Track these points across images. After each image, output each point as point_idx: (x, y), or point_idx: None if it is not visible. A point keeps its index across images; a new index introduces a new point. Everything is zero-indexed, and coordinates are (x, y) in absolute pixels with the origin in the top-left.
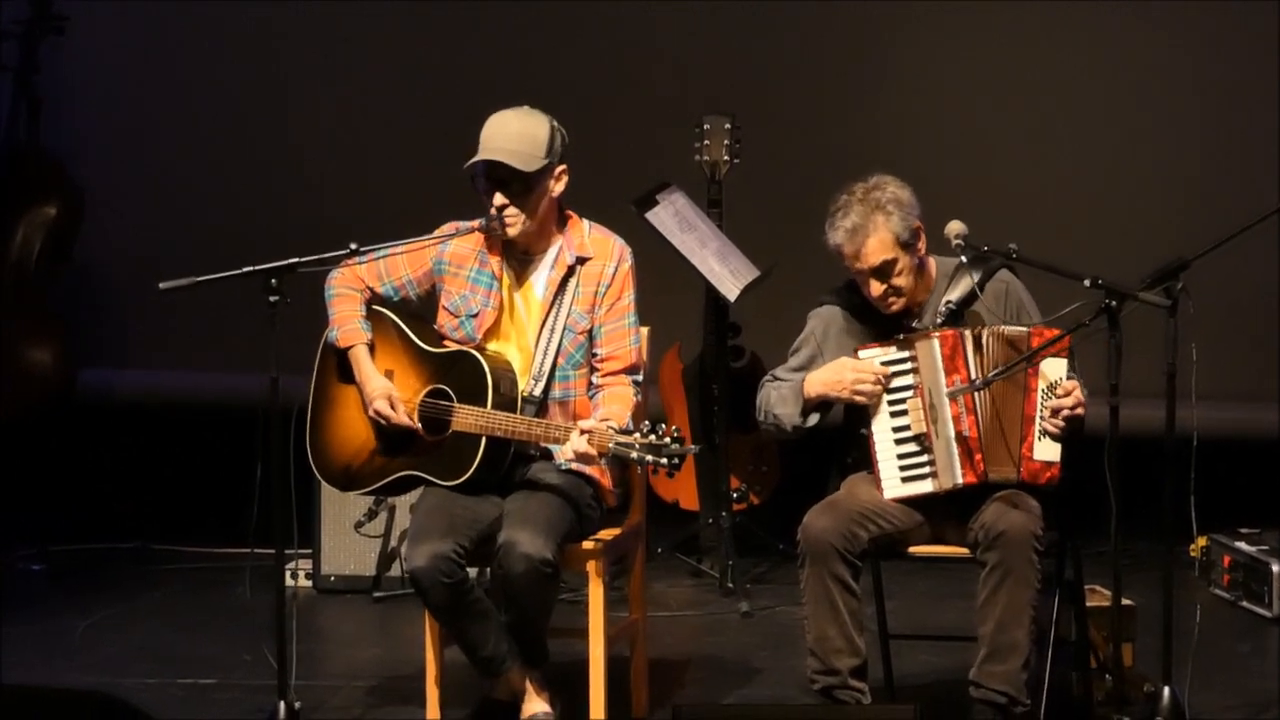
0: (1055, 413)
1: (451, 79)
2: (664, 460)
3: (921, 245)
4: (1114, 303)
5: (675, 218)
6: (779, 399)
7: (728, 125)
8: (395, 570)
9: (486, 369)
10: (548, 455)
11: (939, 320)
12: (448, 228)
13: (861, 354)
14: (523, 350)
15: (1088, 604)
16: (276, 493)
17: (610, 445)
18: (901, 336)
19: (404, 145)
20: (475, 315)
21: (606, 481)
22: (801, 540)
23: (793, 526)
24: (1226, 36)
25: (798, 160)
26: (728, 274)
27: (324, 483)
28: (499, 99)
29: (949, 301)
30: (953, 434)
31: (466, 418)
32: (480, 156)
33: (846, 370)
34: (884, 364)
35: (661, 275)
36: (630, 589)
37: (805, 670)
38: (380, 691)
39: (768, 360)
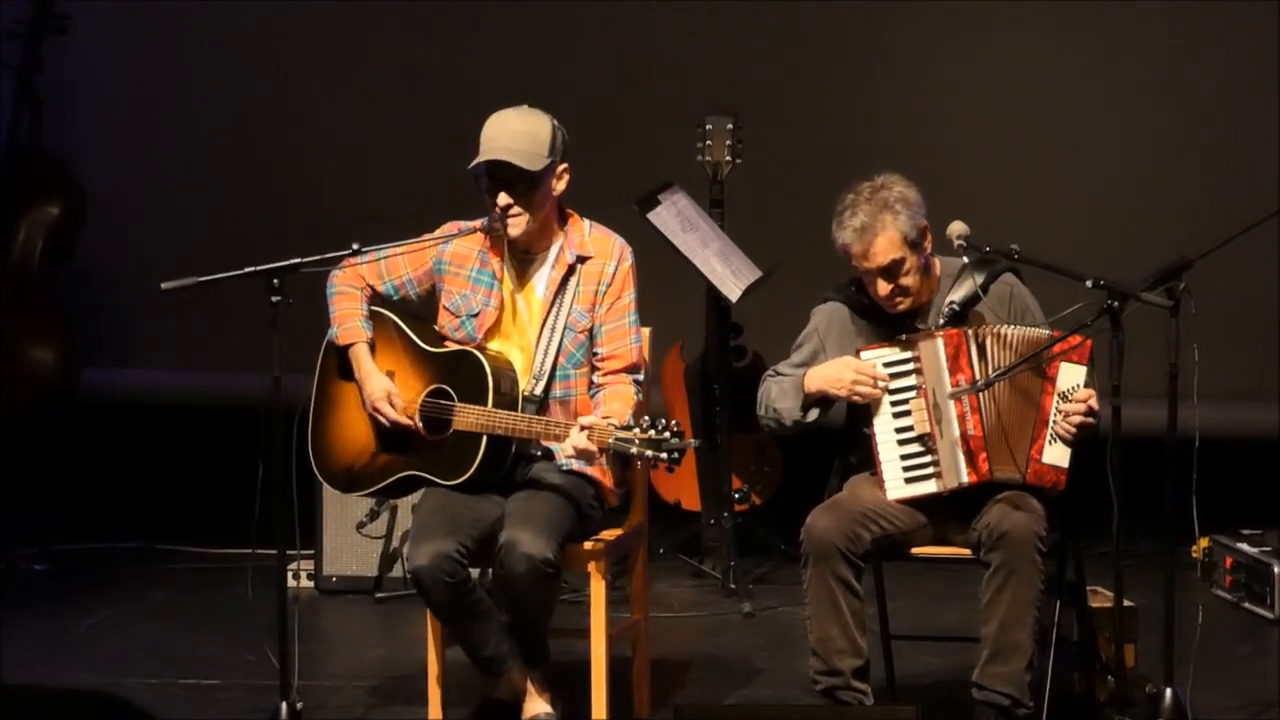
0: (1067, 417)
1: (453, 79)
2: (664, 454)
3: (928, 245)
4: (1116, 303)
5: (677, 218)
6: (779, 393)
7: (730, 125)
8: (397, 571)
9: (487, 368)
10: (549, 455)
11: (942, 321)
12: (449, 227)
13: (864, 354)
14: (524, 350)
15: (1090, 605)
16: (278, 493)
17: (610, 440)
18: (904, 337)
19: (406, 145)
20: (476, 315)
21: (608, 481)
22: (804, 540)
23: (795, 527)
24: (1229, 37)
25: (800, 160)
26: (730, 274)
27: (325, 484)
28: (500, 99)
29: (952, 302)
30: (957, 434)
31: (467, 416)
32: (484, 157)
33: (848, 369)
34: (886, 364)
35: (663, 275)
36: (632, 589)
37: (807, 671)
38: (382, 692)
39: (770, 360)
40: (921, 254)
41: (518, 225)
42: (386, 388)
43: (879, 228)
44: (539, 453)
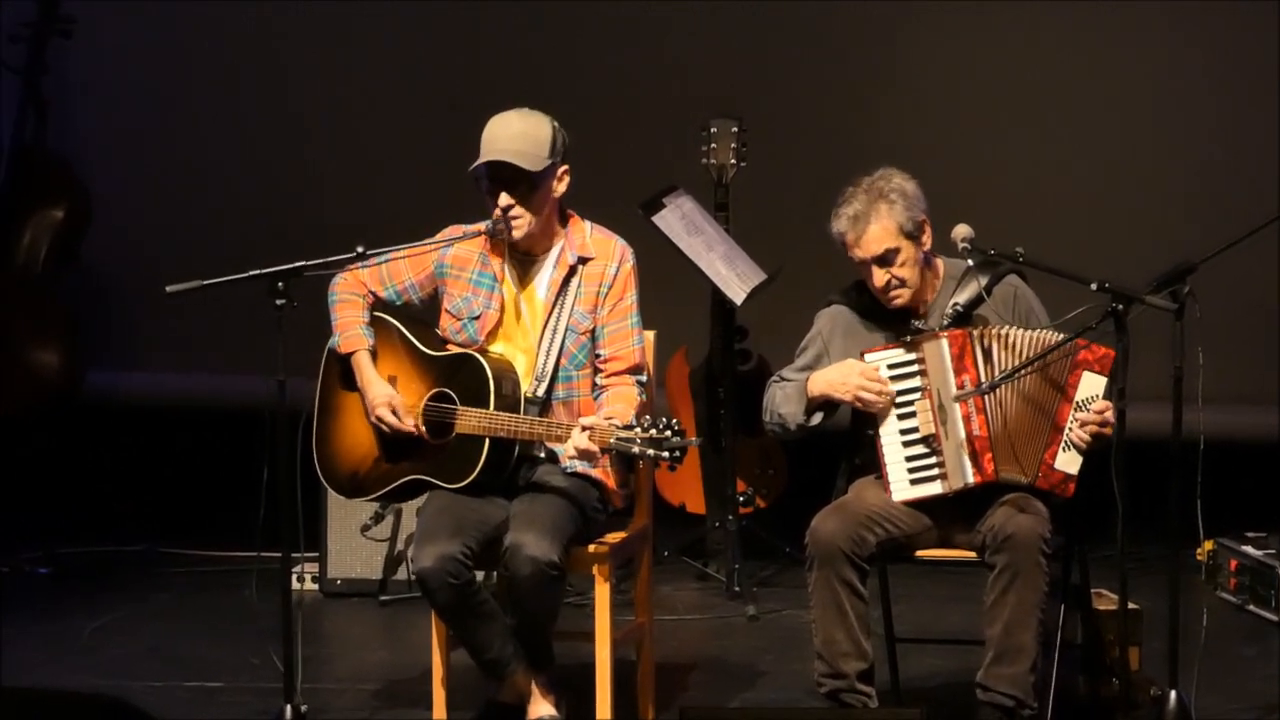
0: (1084, 426)
1: (457, 81)
2: (665, 453)
3: (927, 239)
4: (1121, 306)
5: (682, 221)
6: (784, 398)
7: (734, 128)
8: (401, 574)
9: (489, 371)
10: (553, 458)
11: (946, 322)
12: (451, 231)
13: (868, 356)
14: (526, 351)
15: (1094, 608)
16: (283, 496)
17: (611, 440)
18: (909, 338)
19: (409, 148)
20: (478, 317)
21: (612, 484)
22: (809, 543)
23: (800, 530)
24: (1233, 40)
25: (804, 164)
26: (734, 277)
27: (330, 491)
28: (504, 101)
29: (956, 304)
30: (963, 435)
31: (469, 419)
32: (484, 158)
33: (852, 373)
34: (891, 366)
35: (668, 279)
36: (636, 592)
37: (812, 673)
38: (386, 695)
39: (774, 363)
40: (919, 246)
41: (519, 227)
42: (388, 395)
43: (873, 216)
44: (542, 455)
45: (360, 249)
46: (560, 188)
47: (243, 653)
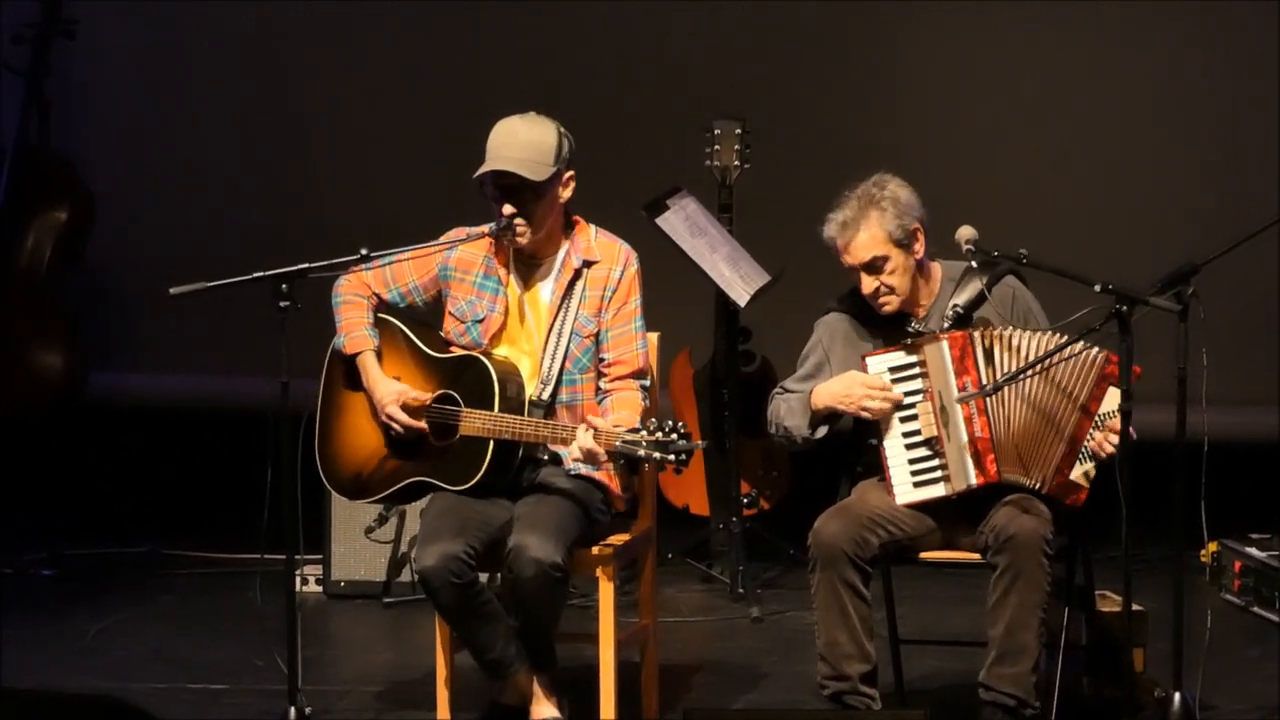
0: (1108, 437)
1: (461, 84)
2: (671, 456)
3: (919, 247)
4: (1125, 307)
5: (686, 223)
6: (788, 411)
7: (738, 130)
8: (405, 576)
9: (493, 373)
10: (557, 460)
11: (946, 324)
12: (456, 233)
13: (869, 359)
14: (530, 355)
15: (1099, 609)
16: (287, 497)
17: (617, 443)
18: (909, 341)
19: (413, 150)
20: (482, 320)
21: (616, 486)
22: (812, 545)
23: (803, 532)
24: (1236, 41)
25: (808, 165)
26: (738, 279)
27: (334, 493)
28: (508, 103)
29: (956, 305)
30: (965, 437)
31: (473, 421)
32: (489, 166)
33: (856, 385)
34: (892, 369)
35: (672, 280)
36: (640, 594)
37: (815, 675)
38: (390, 696)
39: (778, 365)
40: (909, 254)
41: (523, 235)
42: (397, 392)
43: (861, 223)
44: (546, 457)
45: (364, 251)
46: (565, 193)
47: (246, 654)
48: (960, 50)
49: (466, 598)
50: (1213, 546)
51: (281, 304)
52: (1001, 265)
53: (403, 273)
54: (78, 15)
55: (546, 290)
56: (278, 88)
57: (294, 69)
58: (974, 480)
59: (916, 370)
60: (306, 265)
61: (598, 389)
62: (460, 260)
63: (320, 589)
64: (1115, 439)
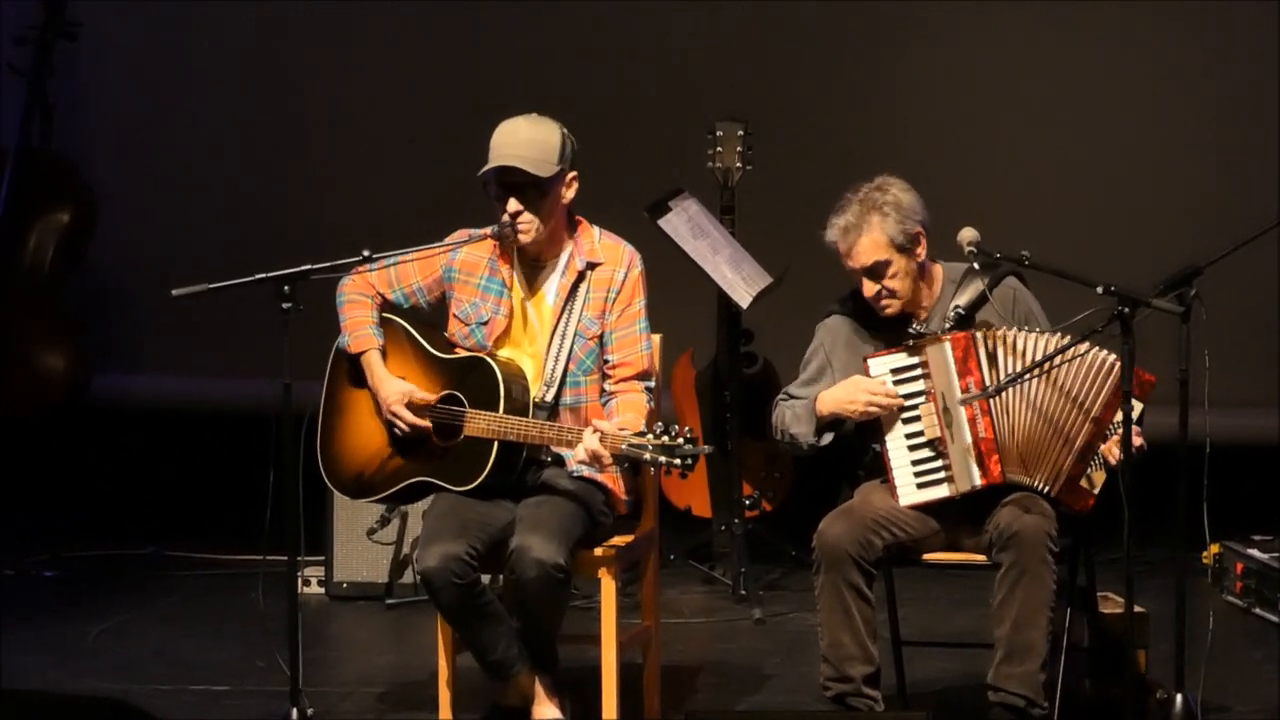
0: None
1: (463, 85)
2: (677, 460)
3: (921, 250)
4: (1127, 309)
5: (688, 224)
6: (793, 418)
7: (740, 132)
8: (408, 577)
9: (499, 375)
10: (560, 461)
11: (948, 325)
12: (459, 235)
13: (871, 362)
14: (534, 357)
15: (1101, 611)
16: (289, 499)
17: (623, 446)
18: (911, 342)
19: (416, 152)
20: (486, 323)
21: (619, 488)
22: (816, 547)
23: (806, 533)
24: (1237, 43)
25: (810, 167)
26: (740, 281)
27: (335, 491)
28: (510, 105)
29: (957, 306)
30: (968, 437)
31: (478, 422)
32: (494, 163)
33: (859, 390)
34: (895, 370)
35: (674, 282)
36: (643, 595)
37: (818, 677)
38: (392, 698)
39: (780, 366)
40: (911, 258)
41: (526, 233)
42: (402, 390)
43: (864, 228)
44: (549, 458)
45: (366, 252)
46: (569, 194)
47: (249, 656)
48: (962, 52)
49: (468, 598)
50: (1215, 548)
51: (284, 305)
52: (1003, 267)
53: (407, 273)
54: (80, 17)
55: (550, 292)
56: (280, 89)
57: (296, 70)
58: (978, 481)
59: (919, 372)
60: (309, 267)
61: (602, 391)
62: (464, 262)
63: (322, 590)
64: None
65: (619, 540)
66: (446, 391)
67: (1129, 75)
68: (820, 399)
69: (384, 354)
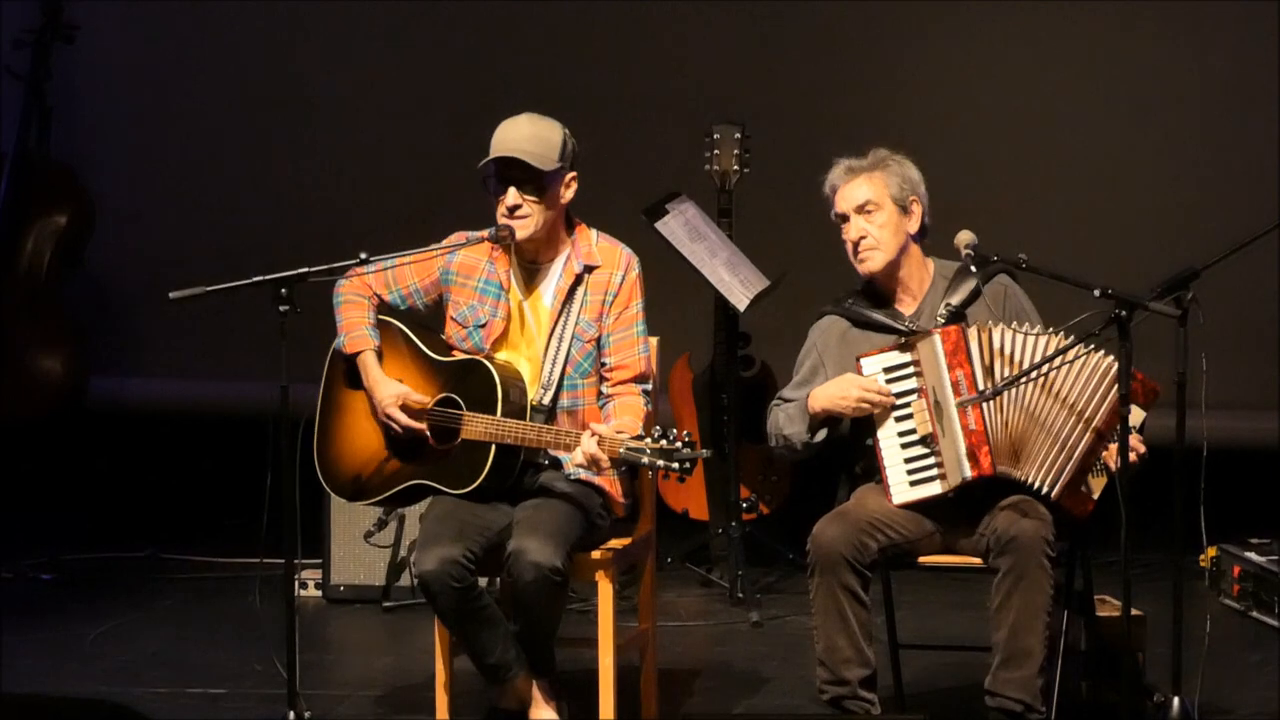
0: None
1: (460, 89)
2: (675, 464)
3: (913, 222)
4: (1124, 313)
5: (685, 227)
6: (787, 419)
7: (738, 135)
8: (405, 580)
9: (497, 377)
10: (557, 464)
11: (940, 321)
12: (457, 238)
13: (864, 360)
14: (531, 359)
15: (1098, 614)
16: (286, 502)
17: (621, 450)
18: (903, 340)
19: (414, 155)
20: (483, 325)
21: (616, 491)
22: (811, 550)
23: (803, 536)
24: (1236, 45)
25: (807, 170)
26: (737, 284)
27: (332, 494)
28: (508, 107)
29: (949, 303)
30: (959, 430)
31: (476, 425)
32: (495, 154)
33: (852, 386)
34: (887, 369)
35: (671, 285)
36: (640, 598)
37: (814, 680)
38: (389, 701)
39: (778, 369)
40: (903, 218)
41: (524, 226)
42: (398, 392)
43: (865, 172)
44: (546, 461)
45: (363, 255)
46: (567, 194)
47: (246, 659)
48: (960, 55)
49: (465, 601)
50: (1212, 551)
51: (281, 308)
52: (995, 265)
53: (404, 275)
54: (78, 20)
55: (548, 295)
56: (277, 92)
57: (293, 73)
58: (968, 473)
59: (911, 370)
60: (306, 269)
61: (600, 393)
62: (462, 265)
63: (319, 593)
64: (1133, 454)
65: (616, 543)
66: (444, 394)
67: (1126, 77)
68: (813, 396)
69: (380, 356)
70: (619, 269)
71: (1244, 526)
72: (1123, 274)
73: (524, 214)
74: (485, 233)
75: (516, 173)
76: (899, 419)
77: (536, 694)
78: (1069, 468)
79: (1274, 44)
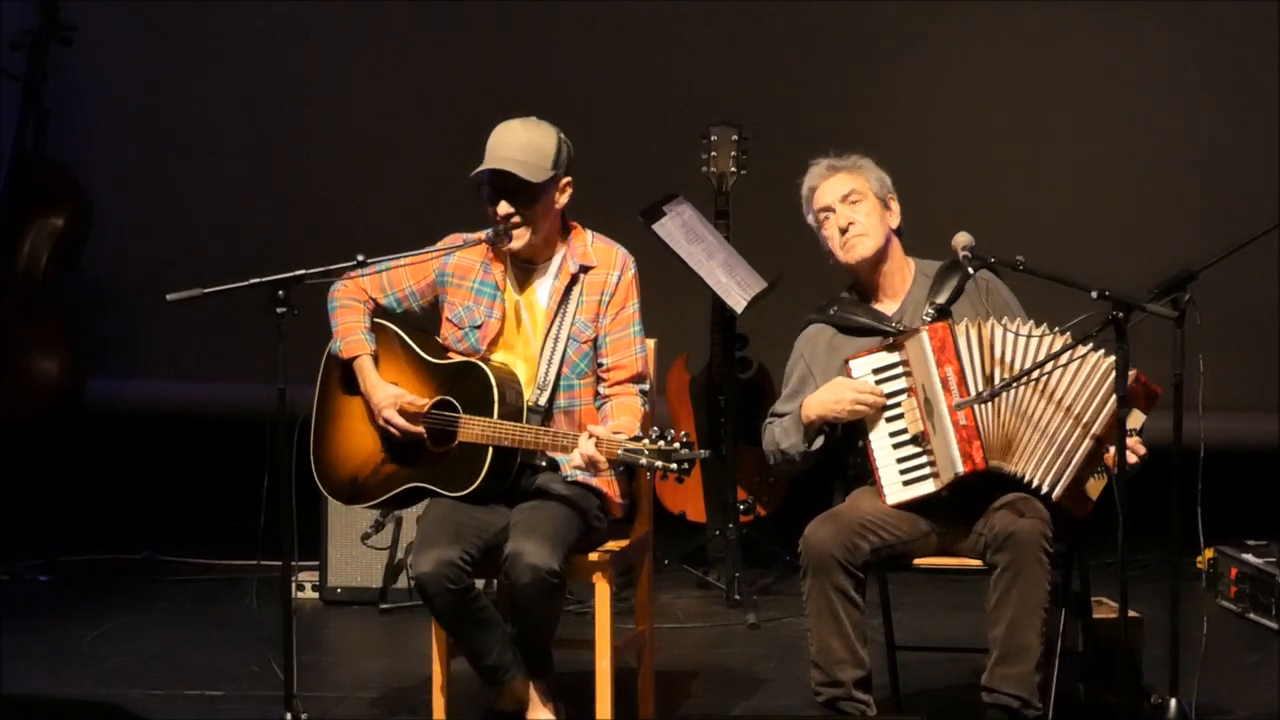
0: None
1: (458, 90)
2: (673, 465)
3: (893, 217)
4: (1121, 314)
5: (682, 229)
6: (783, 433)
7: (735, 136)
8: (402, 582)
9: (493, 379)
10: (555, 466)
11: (925, 319)
12: (452, 239)
13: (852, 363)
14: (527, 360)
15: (1095, 615)
16: (283, 503)
17: (619, 452)
18: (891, 340)
19: (410, 157)
20: (479, 326)
21: (613, 493)
22: (802, 552)
23: (799, 538)
24: (1235, 45)
25: (805, 172)
26: (735, 285)
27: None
28: (505, 110)
29: (934, 300)
30: (950, 426)
31: (473, 428)
32: (487, 165)
33: (844, 390)
34: (876, 371)
35: (668, 287)
36: (637, 600)
37: (810, 682)
38: (386, 703)
39: (775, 371)
40: (885, 212)
41: (518, 237)
42: (394, 396)
43: (844, 168)
44: (544, 463)
45: (360, 257)
46: (562, 199)
47: (243, 661)
48: (958, 57)
49: (462, 603)
50: (1209, 553)
51: (278, 310)
52: (975, 260)
53: (399, 278)
54: (75, 21)
55: (543, 295)
56: (276, 94)
57: (291, 74)
58: (960, 469)
59: (900, 369)
60: (303, 271)
61: (596, 394)
62: (457, 266)
63: (316, 595)
64: (1133, 456)
65: (613, 545)
66: (440, 397)
67: (1124, 78)
68: (806, 404)
69: (376, 359)
70: (615, 269)
71: (1241, 528)
72: (1120, 275)
73: (517, 225)
74: (482, 234)
75: (510, 183)
76: (890, 419)
77: (534, 696)
78: (1069, 469)
79: (1274, 44)
